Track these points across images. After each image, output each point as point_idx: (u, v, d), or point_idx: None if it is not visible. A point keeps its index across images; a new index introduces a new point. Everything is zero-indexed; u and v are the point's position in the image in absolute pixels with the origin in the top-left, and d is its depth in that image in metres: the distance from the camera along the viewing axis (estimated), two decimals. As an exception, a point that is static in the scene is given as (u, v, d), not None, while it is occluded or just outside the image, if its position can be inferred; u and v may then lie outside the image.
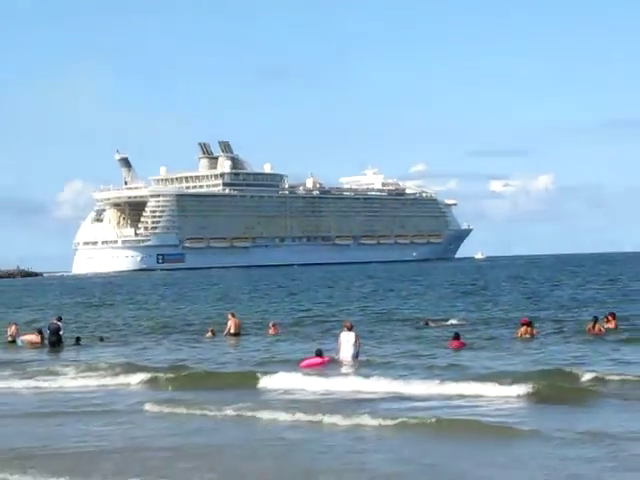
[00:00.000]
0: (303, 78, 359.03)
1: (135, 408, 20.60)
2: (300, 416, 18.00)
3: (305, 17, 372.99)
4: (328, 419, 17.49)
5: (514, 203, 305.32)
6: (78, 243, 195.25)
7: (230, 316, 39.32)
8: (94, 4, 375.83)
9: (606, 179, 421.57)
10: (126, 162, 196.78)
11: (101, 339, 39.58)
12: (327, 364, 26.62)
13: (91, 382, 25.55)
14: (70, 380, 26.20)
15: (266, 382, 23.39)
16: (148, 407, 20.37)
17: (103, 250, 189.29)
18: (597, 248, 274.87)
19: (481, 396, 19.74)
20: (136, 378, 25.44)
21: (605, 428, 15.91)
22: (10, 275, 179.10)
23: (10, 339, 38.45)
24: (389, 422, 16.71)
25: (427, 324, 39.03)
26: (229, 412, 19.24)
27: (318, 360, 26.90)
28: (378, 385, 21.57)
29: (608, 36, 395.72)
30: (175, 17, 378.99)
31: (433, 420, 16.74)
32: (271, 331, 37.74)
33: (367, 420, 17.02)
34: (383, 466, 13.58)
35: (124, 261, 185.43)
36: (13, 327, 39.51)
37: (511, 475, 12.74)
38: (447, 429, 16.21)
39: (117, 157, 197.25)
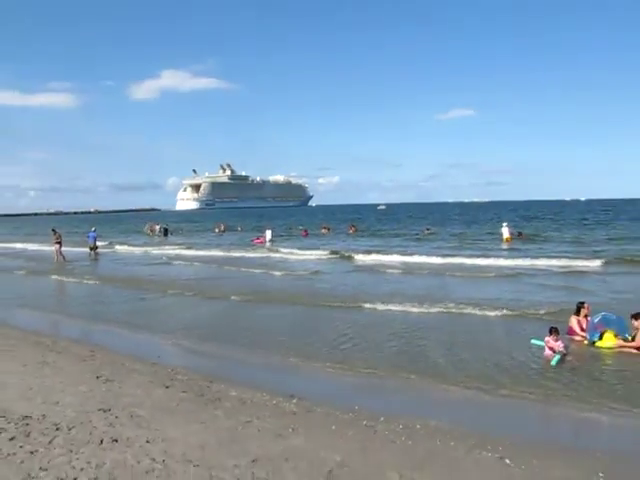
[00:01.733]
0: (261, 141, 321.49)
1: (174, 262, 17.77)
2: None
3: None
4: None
5: (327, 187, 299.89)
6: (177, 199, 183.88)
7: (221, 224, 36.31)
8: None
9: (359, 179, 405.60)
10: (194, 171, 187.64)
11: (181, 232, 36.32)
12: (263, 242, 24.94)
13: (172, 251, 21.99)
14: (167, 250, 22.82)
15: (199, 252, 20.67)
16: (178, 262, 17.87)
17: (186, 201, 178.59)
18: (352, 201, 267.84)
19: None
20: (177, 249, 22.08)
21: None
22: (147, 210, 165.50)
23: (149, 232, 34.78)
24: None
25: (290, 228, 36.82)
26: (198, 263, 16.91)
27: (258, 240, 25.62)
28: (279, 254, 19.64)
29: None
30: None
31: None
32: (239, 229, 34.78)
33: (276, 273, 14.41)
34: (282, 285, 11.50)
35: (193, 206, 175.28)
36: (148, 225, 36.13)
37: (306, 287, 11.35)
38: (307, 278, 14.12)
39: (192, 169, 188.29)
